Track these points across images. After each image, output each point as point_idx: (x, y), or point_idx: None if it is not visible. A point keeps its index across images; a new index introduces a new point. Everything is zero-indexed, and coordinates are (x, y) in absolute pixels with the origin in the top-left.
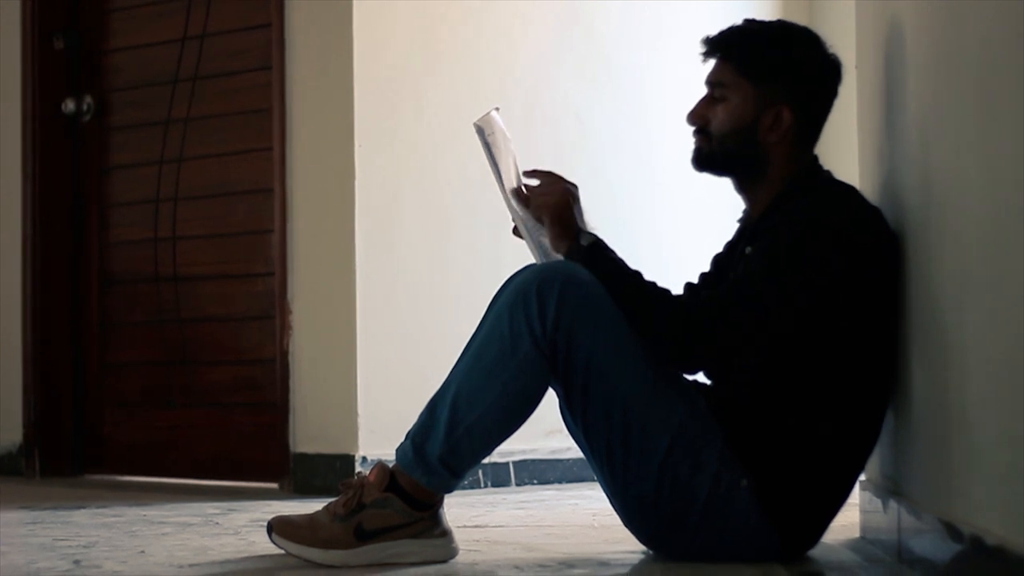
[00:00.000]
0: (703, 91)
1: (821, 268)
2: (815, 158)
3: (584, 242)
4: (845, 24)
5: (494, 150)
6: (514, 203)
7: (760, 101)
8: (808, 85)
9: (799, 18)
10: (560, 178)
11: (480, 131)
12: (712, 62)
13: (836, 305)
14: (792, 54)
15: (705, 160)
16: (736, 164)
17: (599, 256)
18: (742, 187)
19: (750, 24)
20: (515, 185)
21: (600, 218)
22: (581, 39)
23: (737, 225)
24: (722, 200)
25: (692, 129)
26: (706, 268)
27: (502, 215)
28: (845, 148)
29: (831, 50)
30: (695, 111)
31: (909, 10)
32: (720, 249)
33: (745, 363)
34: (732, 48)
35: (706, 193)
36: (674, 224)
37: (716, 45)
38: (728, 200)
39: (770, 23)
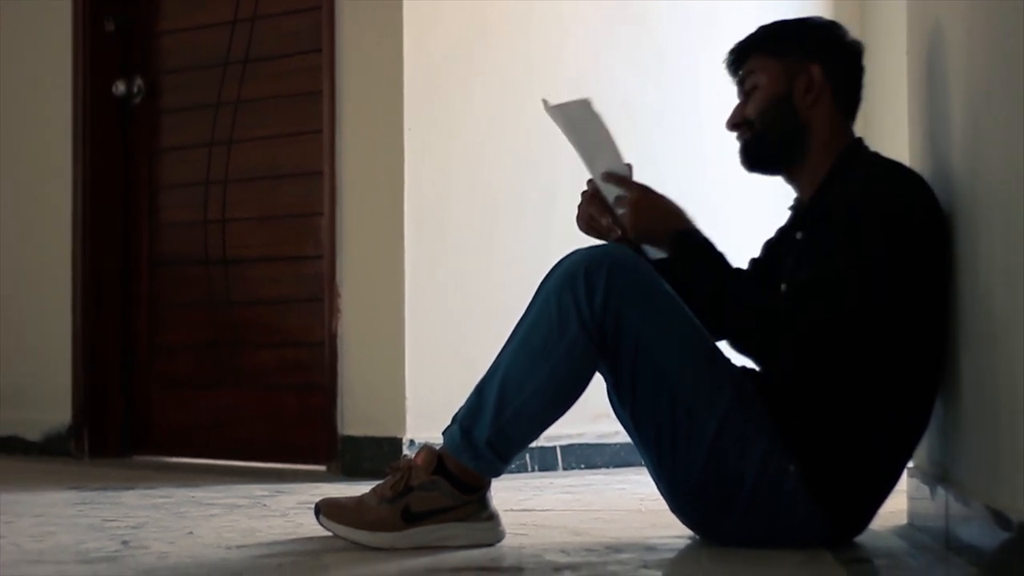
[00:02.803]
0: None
1: (873, 248)
2: (860, 139)
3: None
4: (896, 9)
5: (576, 135)
6: (606, 186)
7: (789, 70)
8: (830, 43)
9: (852, 7)
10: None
11: (556, 115)
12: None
13: (888, 286)
14: (808, 23)
15: (752, 152)
16: (781, 142)
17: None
18: (791, 172)
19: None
20: (609, 168)
21: None
22: (631, 25)
23: (789, 212)
24: (772, 188)
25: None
26: (756, 254)
27: (551, 198)
28: (896, 134)
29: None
30: (732, 114)
31: None
32: (772, 235)
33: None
34: (751, 42)
35: (756, 180)
36: (724, 211)
37: (738, 50)
38: (778, 188)
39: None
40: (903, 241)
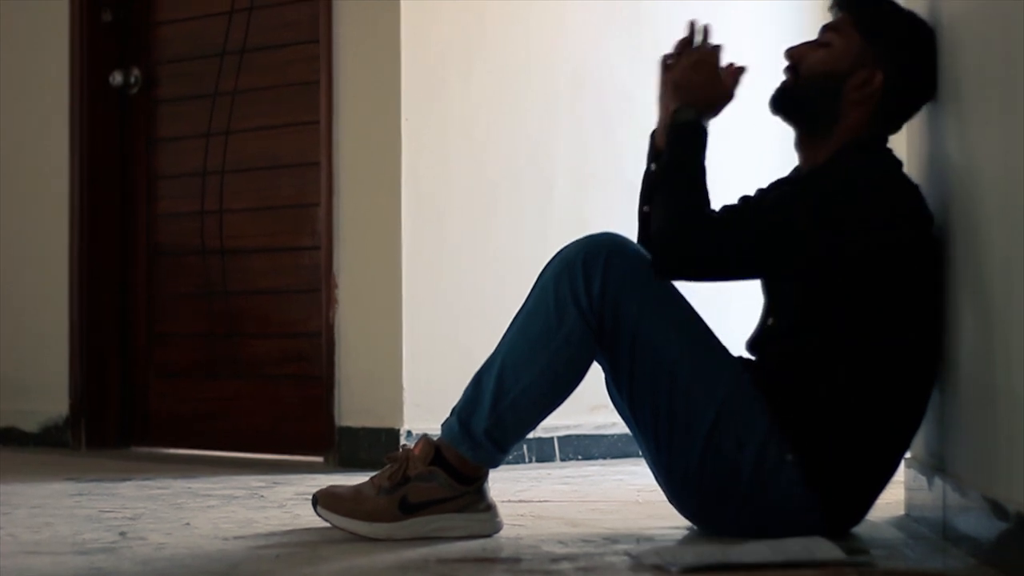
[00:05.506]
0: (752, 69)
1: (835, 222)
2: (884, 139)
3: (682, 118)
4: None
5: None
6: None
7: (862, 56)
8: (911, 62)
9: None
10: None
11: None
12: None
13: (860, 271)
14: (912, 30)
15: (784, 98)
16: (809, 109)
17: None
18: (803, 141)
19: None
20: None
21: None
22: (629, 14)
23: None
24: (773, 176)
25: (785, 65)
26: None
27: (548, 189)
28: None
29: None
30: (795, 48)
31: None
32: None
33: (791, 338)
34: (858, 3)
35: (755, 169)
36: (722, 198)
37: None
38: (780, 175)
39: (904, 7)
40: (859, 228)
